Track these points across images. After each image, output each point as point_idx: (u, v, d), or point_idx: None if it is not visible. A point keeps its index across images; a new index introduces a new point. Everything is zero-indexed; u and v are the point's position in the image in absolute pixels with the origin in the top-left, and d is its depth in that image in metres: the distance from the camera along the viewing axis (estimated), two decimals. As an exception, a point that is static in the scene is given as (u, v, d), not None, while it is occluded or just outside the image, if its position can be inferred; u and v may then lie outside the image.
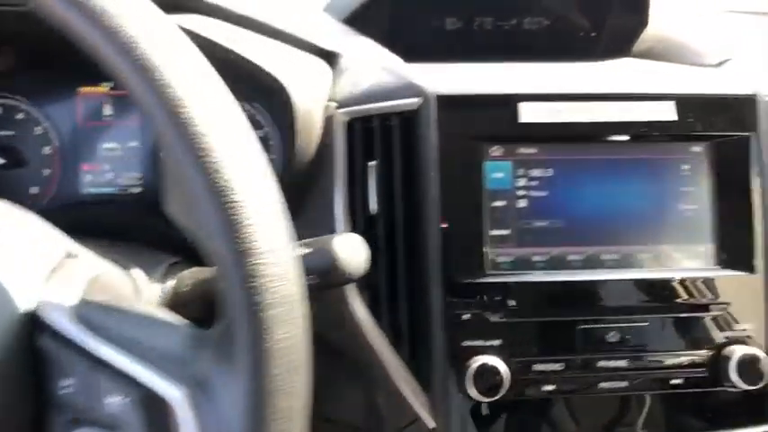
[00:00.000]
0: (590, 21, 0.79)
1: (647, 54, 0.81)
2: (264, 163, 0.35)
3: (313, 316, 0.64)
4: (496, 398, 0.56)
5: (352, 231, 0.61)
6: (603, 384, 0.59)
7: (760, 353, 0.58)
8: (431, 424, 0.58)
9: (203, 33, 0.55)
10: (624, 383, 0.59)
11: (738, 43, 0.81)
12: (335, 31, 0.78)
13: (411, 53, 0.68)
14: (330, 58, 0.72)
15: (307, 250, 0.47)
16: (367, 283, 0.60)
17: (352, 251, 0.47)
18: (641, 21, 0.80)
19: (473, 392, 0.56)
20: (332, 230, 0.61)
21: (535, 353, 0.58)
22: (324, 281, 0.46)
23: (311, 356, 0.36)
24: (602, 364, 0.59)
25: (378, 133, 0.61)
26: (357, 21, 0.78)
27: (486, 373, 0.56)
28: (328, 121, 0.63)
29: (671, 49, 0.80)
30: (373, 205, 0.60)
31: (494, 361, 0.56)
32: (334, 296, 0.61)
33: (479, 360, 0.56)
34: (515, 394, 0.58)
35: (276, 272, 0.33)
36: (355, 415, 0.66)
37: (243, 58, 0.57)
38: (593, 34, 0.81)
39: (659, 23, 0.80)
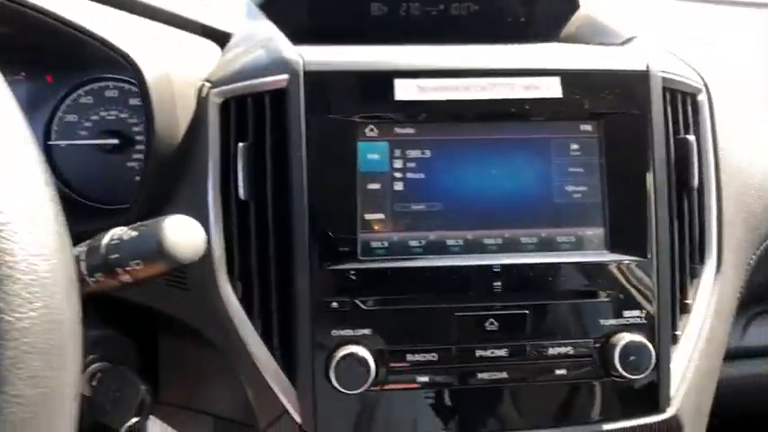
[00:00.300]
0: (520, 5, 0.77)
1: (573, 37, 0.78)
2: (20, 131, 0.33)
3: (183, 307, 0.63)
4: (362, 390, 0.53)
5: (224, 218, 0.58)
6: (482, 375, 0.56)
7: (644, 341, 0.55)
8: (297, 418, 0.55)
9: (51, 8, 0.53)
10: (503, 374, 0.56)
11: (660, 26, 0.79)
12: (240, 14, 0.75)
13: (331, 39, 0.65)
14: (221, 39, 0.69)
15: (133, 233, 0.44)
16: (240, 273, 0.57)
17: (181, 234, 0.44)
18: (573, 4, 0.77)
19: (337, 384, 0.53)
20: (204, 217, 0.59)
21: (408, 342, 0.55)
22: (149, 266, 0.43)
23: (78, 337, 0.33)
24: (480, 353, 0.56)
25: (251, 113, 0.58)
26: (272, 5, 0.75)
27: (351, 363, 0.53)
28: (203, 102, 0.60)
29: (593, 30, 0.77)
30: (242, 190, 0.57)
31: (361, 351, 0.53)
32: (203, 286, 0.58)
33: (345, 350, 0.53)
34: (386, 386, 0.55)
35: (10, 245, 0.30)
36: (230, 408, 0.63)
37: (85, 31, 0.54)
38: (522, 19, 0.78)
39: (589, 4, 0.78)
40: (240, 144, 0.57)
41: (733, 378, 0.69)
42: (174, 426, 0.73)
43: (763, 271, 0.68)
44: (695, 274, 0.62)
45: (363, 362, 0.53)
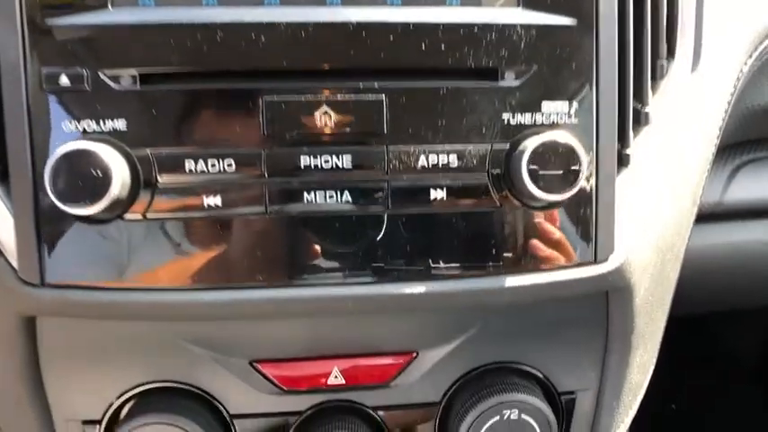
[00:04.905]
0: None
1: None
2: None
3: None
4: (95, 209, 0.32)
5: None
6: (309, 196, 0.35)
7: (572, 140, 0.34)
8: (13, 262, 0.35)
9: None
10: (344, 196, 0.35)
11: None
12: None
13: None
14: None
15: None
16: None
17: None
18: None
19: (54, 197, 0.32)
20: None
21: (187, 142, 0.34)
22: None
23: None
24: (306, 161, 0.35)
25: None
26: None
27: (78, 164, 0.32)
28: None
29: None
30: None
31: (102, 150, 0.32)
32: None
33: (71, 146, 0.32)
34: (151, 212, 0.34)
35: None
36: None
37: None
38: None
39: None
40: None
41: (704, 248, 0.48)
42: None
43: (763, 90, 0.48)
44: (658, 74, 0.41)
45: (98, 163, 0.32)
